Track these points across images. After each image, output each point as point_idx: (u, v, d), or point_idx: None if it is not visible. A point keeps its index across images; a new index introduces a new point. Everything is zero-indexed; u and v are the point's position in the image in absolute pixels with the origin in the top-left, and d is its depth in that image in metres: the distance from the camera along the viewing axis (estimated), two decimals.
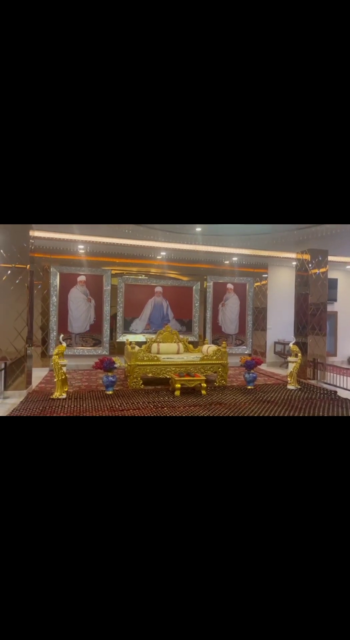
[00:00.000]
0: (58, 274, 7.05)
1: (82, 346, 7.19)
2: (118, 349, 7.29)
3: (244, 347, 8.25)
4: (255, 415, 3.99)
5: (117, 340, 7.43)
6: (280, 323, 8.33)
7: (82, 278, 7.22)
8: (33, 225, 5.43)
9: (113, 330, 7.44)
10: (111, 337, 7.41)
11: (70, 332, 7.10)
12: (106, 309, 7.35)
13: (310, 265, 6.69)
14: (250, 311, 8.27)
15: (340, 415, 4.14)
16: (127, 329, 7.52)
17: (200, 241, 6.35)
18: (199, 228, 5.57)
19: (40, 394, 4.89)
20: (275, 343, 8.45)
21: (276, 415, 4.03)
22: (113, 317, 7.45)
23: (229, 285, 8.16)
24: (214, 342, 7.81)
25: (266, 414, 4.02)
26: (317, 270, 6.72)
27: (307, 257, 6.74)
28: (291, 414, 4.08)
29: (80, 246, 6.84)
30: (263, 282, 8.34)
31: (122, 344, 7.34)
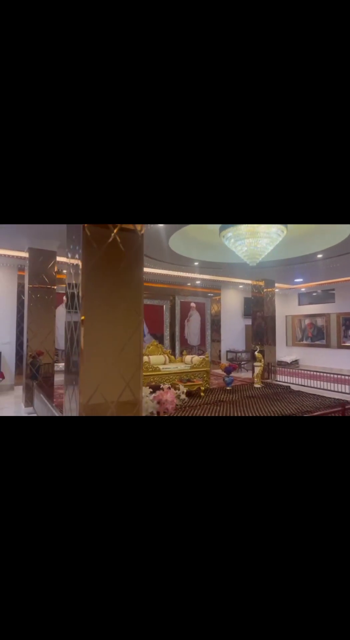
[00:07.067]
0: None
1: None
2: None
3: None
4: (261, 412, 5.36)
5: None
6: (230, 335, 10.11)
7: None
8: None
9: None
10: None
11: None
12: None
13: (263, 288, 8.63)
14: (208, 325, 9.78)
15: (302, 402, 5.84)
16: None
17: (186, 269, 7.49)
18: (196, 262, 6.77)
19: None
20: (227, 352, 10.17)
21: (276, 409, 5.47)
22: None
23: (192, 304, 9.54)
24: (180, 352, 9.00)
25: (257, 406, 5.42)
26: (270, 290, 8.69)
27: (261, 283, 8.66)
28: (272, 404, 5.58)
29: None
30: (217, 298, 10.01)
31: None
